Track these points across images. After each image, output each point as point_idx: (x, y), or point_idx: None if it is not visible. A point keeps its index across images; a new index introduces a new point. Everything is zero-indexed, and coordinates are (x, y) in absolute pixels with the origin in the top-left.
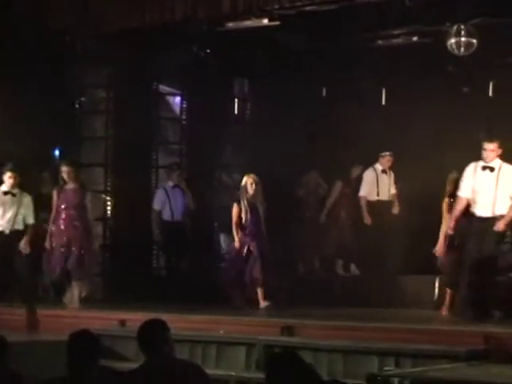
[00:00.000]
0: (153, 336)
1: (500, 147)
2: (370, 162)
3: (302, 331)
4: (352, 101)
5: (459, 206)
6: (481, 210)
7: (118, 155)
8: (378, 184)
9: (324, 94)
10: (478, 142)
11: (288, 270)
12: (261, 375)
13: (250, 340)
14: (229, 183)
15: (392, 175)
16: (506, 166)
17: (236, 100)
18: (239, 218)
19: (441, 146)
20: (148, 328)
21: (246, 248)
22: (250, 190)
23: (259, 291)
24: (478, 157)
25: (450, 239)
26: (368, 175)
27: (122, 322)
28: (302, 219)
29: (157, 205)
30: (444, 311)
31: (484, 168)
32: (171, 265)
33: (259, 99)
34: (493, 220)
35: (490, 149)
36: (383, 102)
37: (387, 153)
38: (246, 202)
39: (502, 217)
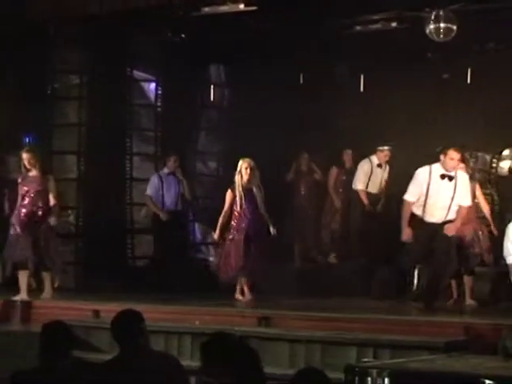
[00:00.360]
0: (127, 327)
1: (462, 158)
2: (348, 148)
3: (280, 322)
4: (330, 87)
5: (407, 212)
6: (432, 217)
7: (91, 142)
8: (370, 177)
9: (301, 80)
10: (458, 129)
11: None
12: None
13: (227, 331)
14: (204, 171)
15: (387, 170)
16: (462, 174)
17: (212, 86)
18: (231, 205)
19: (420, 133)
20: (123, 318)
21: (243, 236)
22: (245, 174)
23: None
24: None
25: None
26: (363, 167)
27: (96, 313)
28: (289, 207)
29: (150, 190)
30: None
31: (443, 176)
32: (155, 254)
33: (236, 85)
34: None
35: (457, 158)
36: (361, 89)
37: (386, 147)
38: (240, 188)
39: (450, 222)
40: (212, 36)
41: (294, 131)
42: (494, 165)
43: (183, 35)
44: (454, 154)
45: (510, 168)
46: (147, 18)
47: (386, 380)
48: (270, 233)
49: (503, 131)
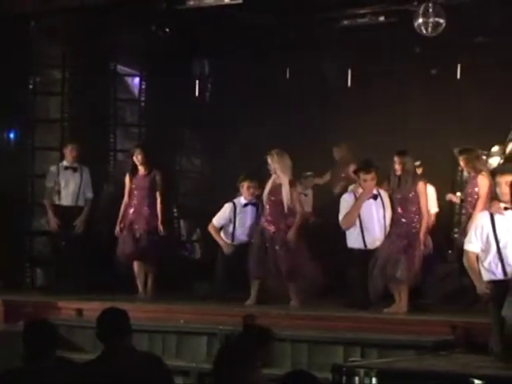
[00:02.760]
0: (113, 325)
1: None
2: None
3: (265, 321)
4: (316, 82)
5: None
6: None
7: (74, 138)
8: None
9: (287, 74)
10: (447, 125)
11: None
12: None
13: (211, 330)
14: (188, 167)
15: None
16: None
17: (196, 81)
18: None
19: (408, 129)
20: (108, 317)
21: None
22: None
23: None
24: (444, 140)
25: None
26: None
27: (79, 312)
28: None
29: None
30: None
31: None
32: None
33: (220, 80)
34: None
35: (371, 178)
36: (348, 84)
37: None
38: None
39: None
40: (197, 30)
41: (280, 127)
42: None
43: (167, 29)
44: (365, 176)
45: (499, 164)
46: (131, 12)
47: (374, 379)
48: None
49: (493, 127)
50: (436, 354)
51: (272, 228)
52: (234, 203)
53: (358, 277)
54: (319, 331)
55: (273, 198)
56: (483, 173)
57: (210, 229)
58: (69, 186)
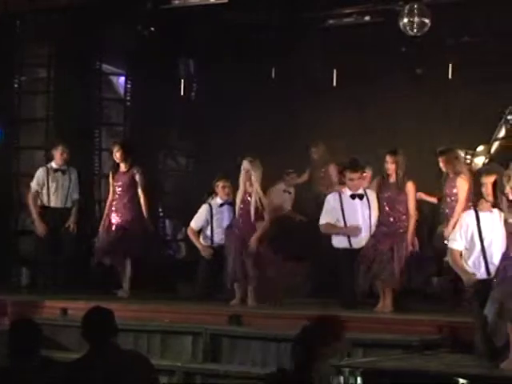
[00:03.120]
0: (98, 324)
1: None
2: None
3: (251, 320)
4: (302, 82)
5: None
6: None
7: (59, 137)
8: None
9: (273, 74)
10: (432, 125)
11: None
12: (207, 366)
13: (197, 329)
14: (174, 167)
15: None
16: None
17: (182, 80)
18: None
19: (393, 128)
20: (94, 316)
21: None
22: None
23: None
24: (430, 140)
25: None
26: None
27: (64, 311)
28: None
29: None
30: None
31: (353, 196)
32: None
33: (206, 80)
34: None
35: (358, 177)
36: (334, 84)
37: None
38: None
39: None
40: (182, 29)
41: (265, 127)
42: (468, 161)
43: (153, 28)
44: (352, 175)
45: (484, 164)
46: (116, 11)
47: (359, 379)
48: None
49: (478, 127)
50: (422, 354)
51: (240, 234)
52: (209, 204)
53: (344, 276)
54: None
55: (242, 206)
56: (462, 175)
57: (189, 233)
58: (58, 189)
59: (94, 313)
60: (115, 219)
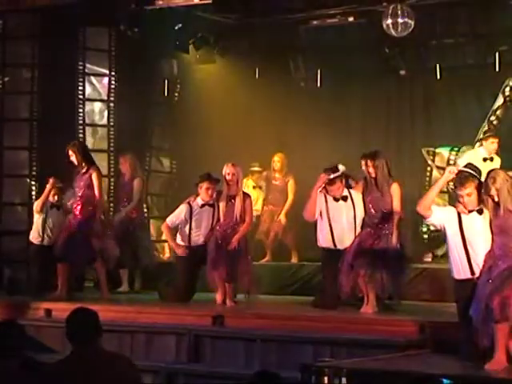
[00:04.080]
0: (82, 325)
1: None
2: (307, 147)
3: (234, 321)
4: (286, 83)
5: None
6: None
7: (43, 138)
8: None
9: (257, 75)
10: (415, 126)
11: None
12: (191, 366)
13: (180, 329)
14: (158, 168)
15: None
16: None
17: (165, 81)
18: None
19: (376, 129)
20: (79, 317)
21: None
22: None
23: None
24: (413, 141)
25: None
26: None
27: (48, 312)
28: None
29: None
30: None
31: (337, 199)
32: None
33: (189, 80)
34: None
35: (336, 188)
36: (318, 84)
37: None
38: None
39: None
40: (165, 30)
41: (249, 128)
42: (452, 162)
43: (136, 29)
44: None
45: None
46: (100, 11)
47: (343, 379)
48: None
49: (462, 128)
50: (405, 354)
51: (223, 235)
52: (189, 204)
53: (327, 276)
54: (288, 331)
55: (225, 210)
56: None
57: (164, 228)
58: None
59: (78, 313)
60: (74, 221)
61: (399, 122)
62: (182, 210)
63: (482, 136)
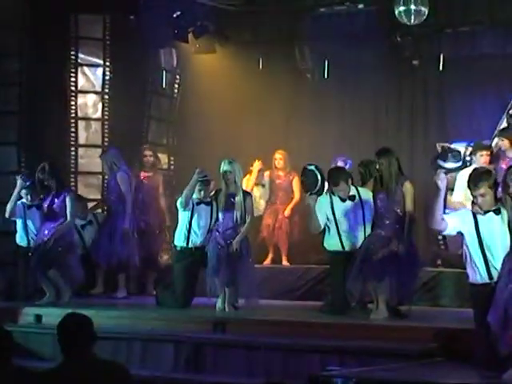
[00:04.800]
0: (75, 332)
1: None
2: (312, 141)
3: (237, 327)
4: (291, 73)
5: None
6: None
7: (32, 132)
8: None
9: (260, 66)
10: (427, 118)
11: None
12: (190, 376)
13: (179, 337)
14: (156, 164)
15: None
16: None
17: (164, 72)
18: None
19: (387, 122)
20: (71, 322)
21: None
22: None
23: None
24: (426, 135)
25: None
26: None
27: (38, 318)
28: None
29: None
30: None
31: (343, 199)
32: None
33: (189, 71)
34: None
35: (339, 190)
36: (326, 75)
37: None
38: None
39: None
40: (164, 18)
41: (251, 121)
42: (468, 158)
43: (132, 16)
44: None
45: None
46: None
47: None
48: None
49: (479, 122)
50: (418, 363)
51: (223, 240)
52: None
53: (336, 280)
54: (294, 338)
55: (225, 209)
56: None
57: None
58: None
59: (71, 319)
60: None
61: (412, 116)
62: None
63: (497, 133)
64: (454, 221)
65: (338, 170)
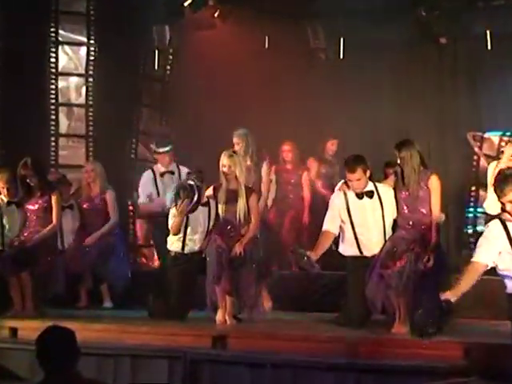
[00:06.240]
0: (55, 347)
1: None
2: (327, 132)
3: (239, 342)
4: (302, 54)
5: None
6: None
7: (8, 120)
8: None
9: (266, 44)
10: (458, 104)
11: None
12: None
13: (174, 352)
14: (146, 155)
15: None
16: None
17: (156, 52)
18: None
19: (410, 108)
20: (49, 337)
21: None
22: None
23: None
24: (457, 122)
25: None
26: None
27: (14, 331)
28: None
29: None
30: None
31: (360, 196)
32: None
33: (186, 51)
34: None
35: (356, 178)
36: (341, 55)
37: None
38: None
39: None
40: None
41: (257, 108)
42: (503, 148)
43: None
44: (350, 176)
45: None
46: None
47: None
48: None
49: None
50: (447, 382)
51: (224, 244)
52: None
53: (353, 288)
54: (305, 354)
55: (225, 209)
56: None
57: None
58: None
59: (51, 333)
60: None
61: (439, 102)
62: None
63: None
64: (491, 255)
65: (356, 156)
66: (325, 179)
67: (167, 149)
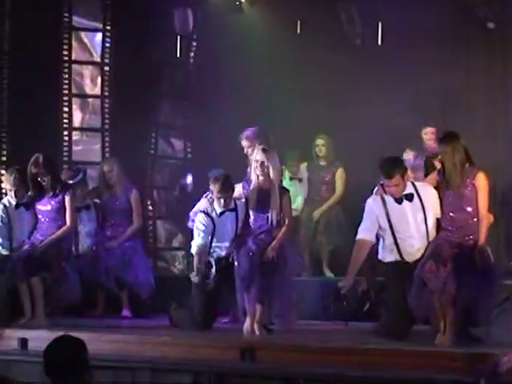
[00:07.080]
0: (65, 359)
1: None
2: (363, 125)
3: (269, 354)
4: (336, 40)
5: None
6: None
7: (17, 113)
8: None
9: (298, 29)
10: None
11: None
12: None
13: (198, 366)
14: (168, 152)
15: None
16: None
17: (178, 38)
18: None
19: (459, 101)
20: (59, 348)
21: None
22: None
23: None
24: (506, 112)
25: None
26: None
27: (23, 342)
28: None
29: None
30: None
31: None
32: None
33: (210, 38)
34: None
35: (393, 184)
36: (379, 42)
37: None
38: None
39: None
40: None
41: (286, 99)
42: None
43: None
44: (388, 182)
45: None
46: None
47: None
48: None
49: None
50: None
51: (255, 247)
52: (206, 214)
53: (394, 297)
54: (340, 368)
55: (257, 208)
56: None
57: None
58: None
59: (61, 344)
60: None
61: (488, 93)
62: (201, 206)
63: None
64: None
65: (393, 160)
66: None
67: None
